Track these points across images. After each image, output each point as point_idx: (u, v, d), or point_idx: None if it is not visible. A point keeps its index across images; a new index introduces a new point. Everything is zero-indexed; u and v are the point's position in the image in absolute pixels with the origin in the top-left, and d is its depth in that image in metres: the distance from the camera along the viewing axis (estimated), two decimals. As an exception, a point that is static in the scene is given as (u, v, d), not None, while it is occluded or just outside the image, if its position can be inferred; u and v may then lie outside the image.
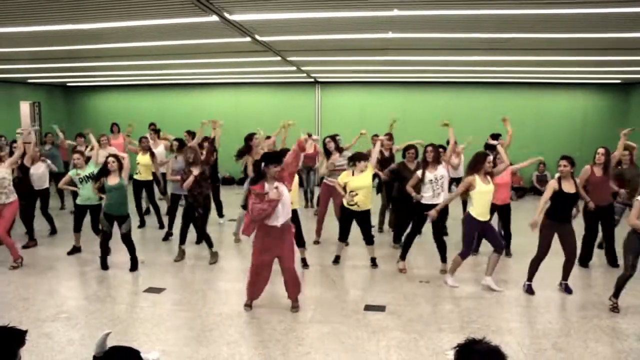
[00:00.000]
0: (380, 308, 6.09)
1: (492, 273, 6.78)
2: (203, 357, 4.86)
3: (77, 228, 8.28)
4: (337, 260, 7.95)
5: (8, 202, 7.51)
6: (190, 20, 6.45)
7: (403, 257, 7.61)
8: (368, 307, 6.11)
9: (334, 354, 4.94)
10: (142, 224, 10.31)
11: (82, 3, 5.63)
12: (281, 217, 5.61)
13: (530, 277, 6.68)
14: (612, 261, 7.79)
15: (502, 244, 6.84)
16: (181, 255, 8.08)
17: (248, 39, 7.68)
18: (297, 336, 5.33)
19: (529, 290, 6.63)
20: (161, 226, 10.11)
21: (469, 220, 6.70)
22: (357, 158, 7.43)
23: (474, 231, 6.85)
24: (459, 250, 6.82)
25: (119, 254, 8.03)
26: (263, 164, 5.63)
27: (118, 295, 6.57)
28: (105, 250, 7.61)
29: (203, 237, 8.03)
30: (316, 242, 9.07)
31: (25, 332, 2.49)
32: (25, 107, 15.91)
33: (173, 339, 5.23)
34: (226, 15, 6.14)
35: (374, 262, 7.77)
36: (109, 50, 8.90)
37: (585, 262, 7.77)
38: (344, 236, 7.84)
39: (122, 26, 6.81)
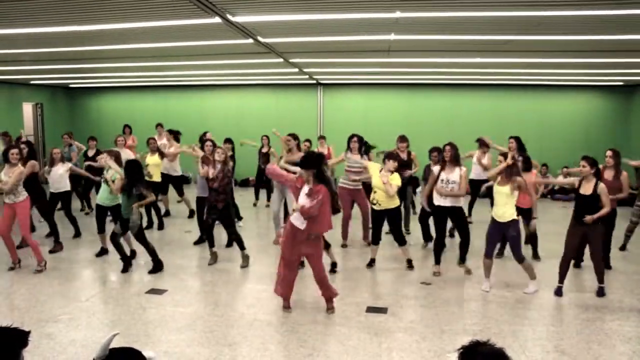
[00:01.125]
0: (382, 310, 6.08)
1: (533, 276, 6.73)
2: (205, 358, 4.85)
3: (101, 229, 8.21)
4: (370, 263, 7.85)
5: (18, 201, 7.42)
6: (193, 22, 6.45)
7: (437, 261, 7.51)
8: (370, 309, 6.10)
9: (336, 355, 4.94)
10: (149, 225, 10.20)
11: (85, 5, 5.64)
12: (304, 222, 5.71)
13: (561, 279, 6.68)
14: (606, 262, 7.67)
15: (521, 256, 6.68)
16: (214, 258, 7.98)
17: (250, 40, 7.68)
18: (299, 338, 5.32)
19: (558, 292, 6.63)
20: (160, 227, 10.15)
21: (491, 220, 6.78)
22: (387, 157, 7.48)
23: (492, 230, 6.76)
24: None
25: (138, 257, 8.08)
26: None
27: (120, 296, 6.57)
28: (120, 249, 7.58)
29: (234, 240, 8.02)
30: (344, 246, 8.96)
31: (28, 332, 2.48)
32: (27, 109, 15.94)
33: (175, 340, 5.22)
34: (229, 16, 6.14)
35: (409, 264, 7.72)
36: (112, 51, 8.91)
37: (577, 263, 7.78)
38: (374, 238, 7.76)
39: (125, 28, 6.82)
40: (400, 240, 7.65)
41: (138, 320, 5.74)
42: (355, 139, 8.74)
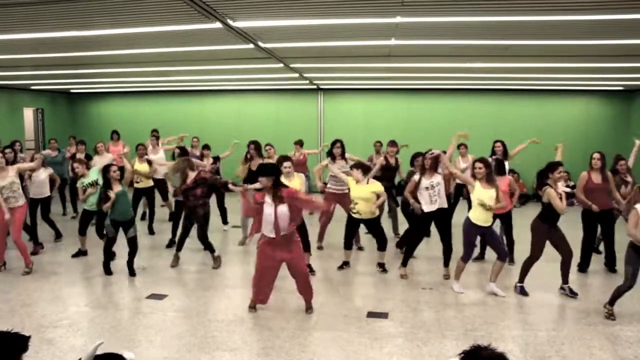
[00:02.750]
0: (383, 315, 6.07)
1: (496, 279, 6.79)
2: (205, 363, 4.85)
3: (82, 231, 8.39)
4: (343, 265, 7.90)
5: (17, 205, 7.50)
6: (194, 27, 6.47)
7: (404, 263, 7.60)
8: (371, 314, 6.09)
9: (337, 360, 4.93)
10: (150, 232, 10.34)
11: (85, 10, 5.65)
12: (273, 230, 5.73)
13: (522, 279, 6.80)
14: (610, 266, 7.80)
15: (505, 251, 6.89)
16: (176, 261, 8.09)
17: (251, 45, 7.69)
18: (300, 343, 5.31)
19: (522, 292, 6.75)
20: (150, 232, 10.23)
21: (467, 224, 6.76)
22: (356, 166, 7.59)
23: (473, 235, 6.80)
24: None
25: (123, 260, 8.04)
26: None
27: (120, 301, 6.56)
28: (108, 255, 7.66)
29: (204, 244, 8.04)
30: (319, 248, 9.02)
31: (28, 337, 2.48)
32: (28, 114, 15.96)
33: (176, 346, 5.21)
34: (229, 22, 6.15)
35: (382, 267, 7.77)
36: (112, 57, 8.93)
37: (583, 267, 7.78)
38: (347, 243, 7.84)
39: (126, 33, 6.83)
40: (383, 245, 7.70)
41: (138, 326, 5.73)
42: (338, 144, 8.87)
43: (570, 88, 14.37)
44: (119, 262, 7.90)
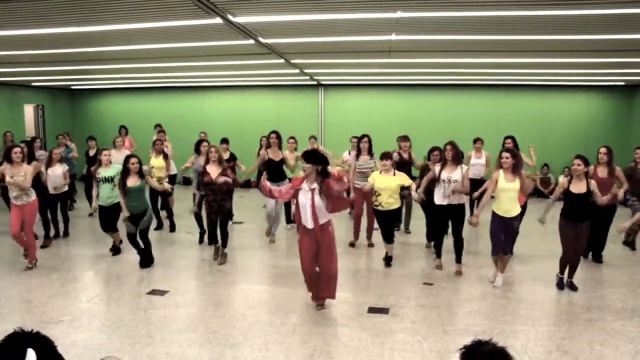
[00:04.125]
0: (384, 310, 6.07)
1: (503, 270, 6.92)
2: (207, 359, 4.85)
3: (105, 227, 8.29)
4: (388, 260, 7.84)
5: (30, 201, 7.54)
6: (194, 23, 6.45)
7: (438, 254, 7.71)
8: (372, 310, 6.09)
9: (338, 356, 4.93)
10: (159, 226, 10.19)
11: (85, 6, 5.64)
12: (310, 220, 5.75)
13: (562, 271, 6.83)
14: (596, 256, 7.97)
15: (510, 249, 6.95)
16: (217, 253, 8.06)
17: (251, 41, 7.68)
18: (301, 338, 5.32)
19: (560, 284, 6.80)
20: (172, 229, 10.08)
21: (492, 216, 6.81)
22: (383, 156, 7.64)
23: (495, 225, 6.78)
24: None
25: (126, 254, 8.08)
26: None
27: (122, 297, 6.57)
28: (137, 247, 7.74)
29: (223, 237, 7.96)
30: (352, 245, 8.97)
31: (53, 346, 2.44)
32: (29, 110, 15.95)
33: (177, 341, 5.22)
34: (230, 17, 6.13)
35: (388, 261, 7.80)
36: (113, 53, 8.91)
37: (586, 254, 7.95)
38: (388, 237, 7.82)
39: (126, 29, 6.81)
40: (389, 238, 7.78)
41: (140, 322, 5.73)
42: (365, 139, 8.84)
43: (571, 83, 14.34)
44: (123, 257, 7.91)
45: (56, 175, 8.92)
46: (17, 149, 7.47)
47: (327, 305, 6.17)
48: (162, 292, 6.67)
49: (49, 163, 9.00)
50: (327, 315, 5.97)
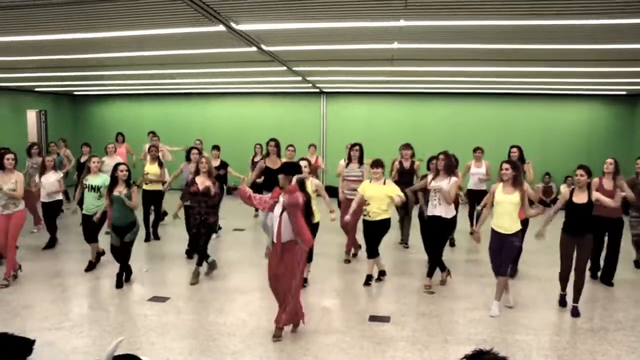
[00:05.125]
0: (385, 319, 6.05)
1: (500, 298, 6.38)
2: (207, 366, 4.84)
3: (88, 238, 7.98)
4: (368, 280, 7.38)
5: (17, 210, 7.33)
6: (197, 30, 6.47)
7: (441, 268, 7.36)
8: (373, 318, 6.08)
9: (339, 364, 4.92)
10: (147, 238, 9.87)
11: (89, 13, 5.66)
12: (276, 235, 5.46)
13: (562, 288, 6.60)
14: (607, 279, 7.54)
15: (504, 270, 6.33)
16: (196, 277, 7.49)
17: (254, 48, 7.70)
18: (302, 346, 5.30)
19: (562, 302, 6.58)
20: (155, 237, 10.00)
21: (490, 233, 6.45)
22: (373, 164, 7.29)
23: (492, 241, 6.42)
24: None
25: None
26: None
27: (122, 303, 6.56)
28: (119, 260, 7.32)
29: (202, 252, 7.58)
30: (355, 255, 8.76)
31: (33, 341, 2.48)
32: (31, 116, 16.00)
33: (178, 348, 5.21)
34: (233, 25, 6.16)
35: (367, 280, 7.38)
36: (116, 59, 8.95)
37: (595, 274, 7.72)
38: (371, 252, 7.35)
39: (129, 35, 6.84)
40: (372, 252, 7.32)
41: (140, 328, 5.73)
42: (357, 147, 8.66)
43: (574, 92, 14.35)
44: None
45: (50, 182, 8.79)
46: (11, 155, 7.31)
47: (328, 313, 6.12)
48: (163, 299, 6.66)
49: (43, 170, 8.86)
50: (328, 323, 5.96)
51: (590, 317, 6.17)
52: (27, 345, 2.44)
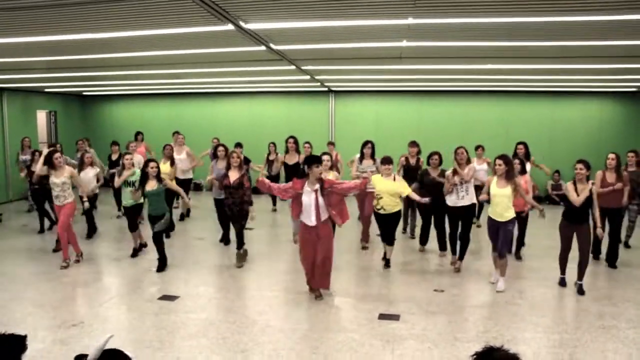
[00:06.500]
0: (395, 317, 6.05)
1: (504, 274, 7.05)
2: (217, 364, 4.86)
3: (131, 227, 8.70)
4: (387, 262, 8.02)
5: (66, 202, 8.03)
6: (206, 29, 6.49)
7: (453, 251, 8.03)
8: (382, 316, 6.08)
9: (348, 362, 4.92)
10: (172, 228, 10.25)
11: (99, 13, 5.69)
12: (313, 218, 6.34)
13: (562, 270, 7.15)
14: (611, 262, 8.07)
15: (504, 250, 7.02)
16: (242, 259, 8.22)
17: (263, 47, 7.71)
18: (311, 345, 5.31)
19: (562, 283, 7.11)
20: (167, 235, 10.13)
21: (487, 220, 7.20)
22: (383, 161, 7.86)
23: (490, 228, 7.11)
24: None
25: (138, 259, 8.12)
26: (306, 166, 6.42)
27: (133, 302, 6.59)
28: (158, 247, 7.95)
29: (240, 239, 8.17)
30: (364, 248, 9.20)
31: (25, 337, 2.49)
32: (41, 116, 16.09)
33: (188, 347, 5.23)
34: (242, 24, 6.17)
35: (387, 263, 7.98)
36: (125, 59, 8.97)
37: (597, 256, 8.29)
38: (386, 239, 7.96)
39: (138, 35, 6.86)
40: (389, 240, 7.93)
41: (151, 327, 5.76)
42: (369, 145, 9.17)
43: (583, 90, 14.27)
44: (138, 261, 7.96)
45: (88, 178, 9.38)
46: (58, 154, 8.10)
47: (337, 311, 6.14)
48: (173, 298, 6.70)
49: (81, 166, 9.53)
50: (337, 321, 5.97)
51: (601, 315, 6.13)
52: (19, 342, 2.43)
